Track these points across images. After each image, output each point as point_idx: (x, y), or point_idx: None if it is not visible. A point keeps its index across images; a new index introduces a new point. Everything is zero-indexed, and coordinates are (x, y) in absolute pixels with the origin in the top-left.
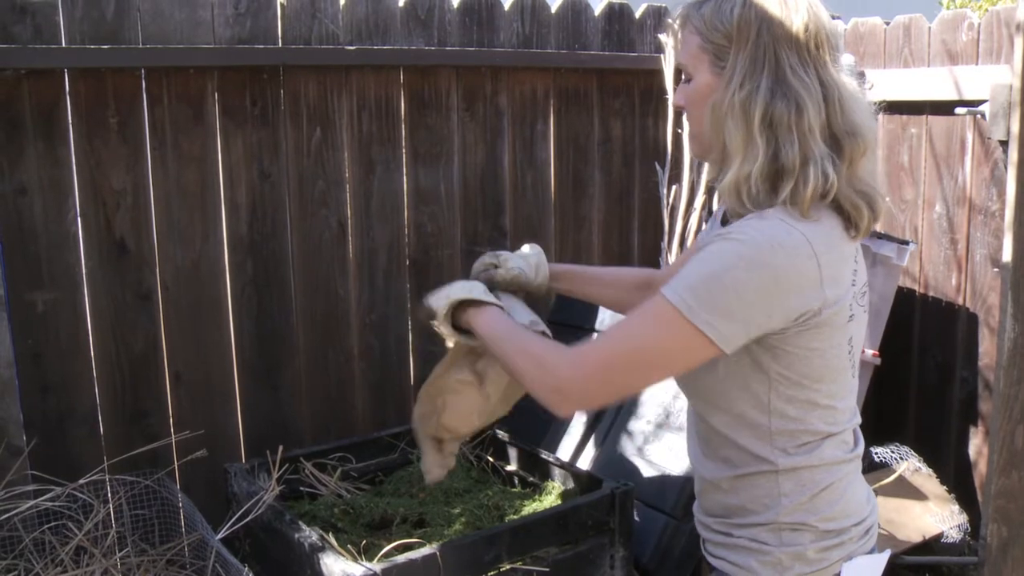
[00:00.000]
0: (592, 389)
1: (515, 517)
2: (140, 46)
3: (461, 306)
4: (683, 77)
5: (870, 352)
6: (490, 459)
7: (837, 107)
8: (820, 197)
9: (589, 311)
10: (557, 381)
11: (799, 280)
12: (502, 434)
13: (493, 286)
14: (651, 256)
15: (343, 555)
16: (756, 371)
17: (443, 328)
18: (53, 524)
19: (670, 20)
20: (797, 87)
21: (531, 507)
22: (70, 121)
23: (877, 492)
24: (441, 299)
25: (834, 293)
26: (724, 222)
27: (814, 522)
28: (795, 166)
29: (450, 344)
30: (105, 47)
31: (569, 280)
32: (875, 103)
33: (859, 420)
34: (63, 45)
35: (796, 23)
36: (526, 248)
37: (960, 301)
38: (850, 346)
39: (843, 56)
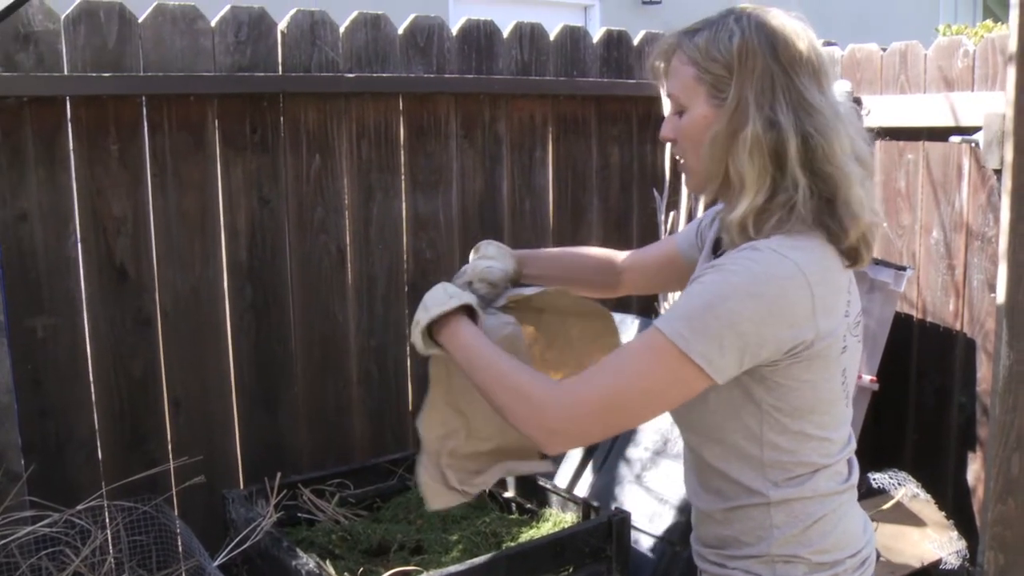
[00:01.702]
0: (586, 428)
1: (512, 544)
2: (141, 74)
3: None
4: (672, 109)
5: (868, 378)
6: None
7: (850, 131)
8: (808, 230)
9: None
10: (549, 421)
11: (793, 311)
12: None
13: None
14: None
15: None
16: (748, 402)
17: (419, 343)
18: (50, 550)
19: (657, 49)
20: (818, 116)
21: (528, 534)
22: (71, 148)
23: (875, 518)
24: (420, 316)
25: (827, 324)
26: (716, 249)
27: (807, 554)
28: (789, 199)
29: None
30: (107, 75)
31: (533, 263)
32: (871, 129)
33: (854, 447)
34: (65, 73)
35: (801, 50)
36: (484, 247)
37: (958, 326)
38: (843, 377)
39: (839, 82)
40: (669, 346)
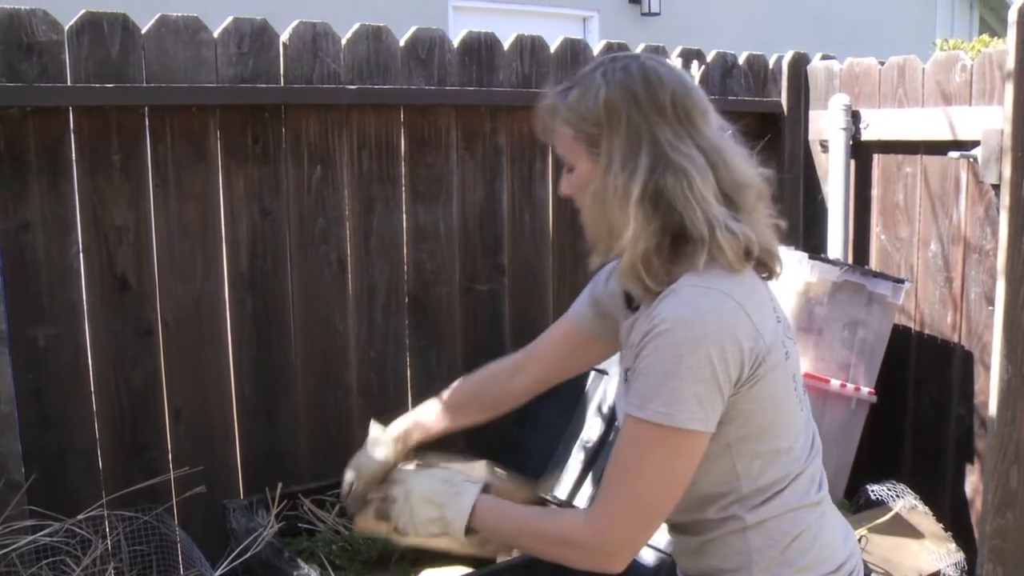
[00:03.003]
0: (633, 536)
1: (513, 555)
2: (144, 84)
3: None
4: (565, 166)
5: (866, 390)
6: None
7: (722, 169)
8: (745, 255)
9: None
10: (599, 553)
11: (738, 334)
12: (500, 472)
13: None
14: None
15: None
16: (714, 444)
17: (460, 539)
18: (51, 560)
19: (540, 110)
20: (679, 160)
21: None
22: (74, 158)
23: (873, 530)
24: (450, 514)
25: (768, 337)
26: (629, 302)
27: (790, 574)
28: (704, 235)
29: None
30: (110, 85)
31: (417, 431)
32: (868, 142)
33: (819, 451)
34: (68, 83)
35: (663, 97)
36: (371, 430)
37: (955, 339)
38: (795, 382)
39: (836, 96)
40: (657, 429)
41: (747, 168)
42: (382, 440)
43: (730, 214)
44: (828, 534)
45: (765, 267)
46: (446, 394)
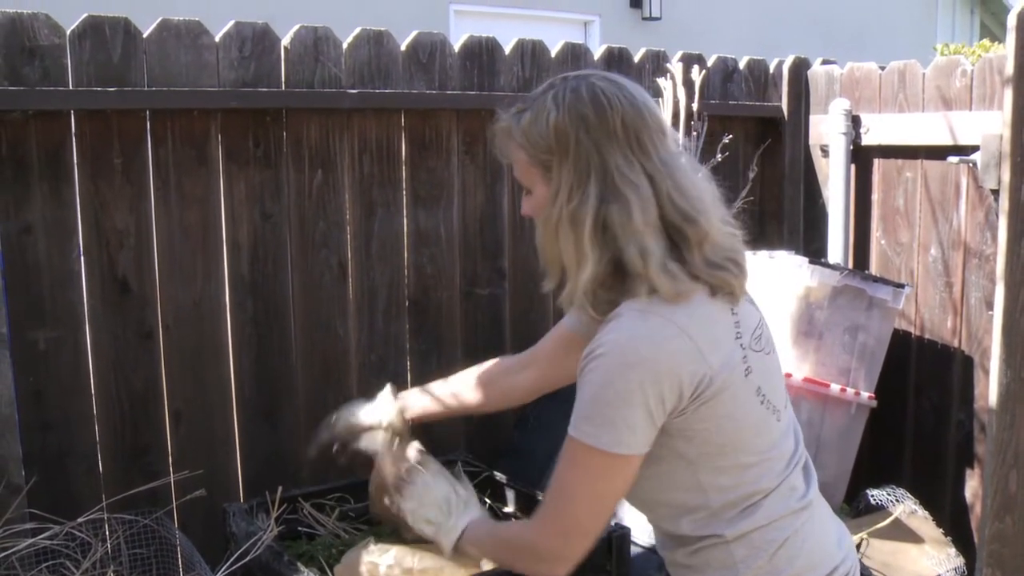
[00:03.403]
0: (566, 544)
1: None
2: (145, 88)
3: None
4: (524, 188)
5: (866, 395)
6: (487, 501)
7: (667, 197)
8: (693, 279)
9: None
10: (534, 556)
11: (675, 359)
12: (500, 476)
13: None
14: None
15: None
16: (677, 460)
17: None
18: (51, 563)
19: (496, 133)
20: (624, 188)
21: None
22: (75, 161)
23: (872, 535)
24: (444, 530)
25: (718, 358)
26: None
27: None
28: (641, 268)
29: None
30: (111, 89)
31: (416, 404)
32: (869, 147)
33: (802, 457)
34: (70, 87)
35: (613, 120)
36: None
37: (955, 344)
38: (761, 396)
39: (836, 101)
40: (585, 449)
41: (698, 188)
42: (385, 405)
43: (668, 249)
44: (818, 538)
45: (721, 289)
46: (456, 377)
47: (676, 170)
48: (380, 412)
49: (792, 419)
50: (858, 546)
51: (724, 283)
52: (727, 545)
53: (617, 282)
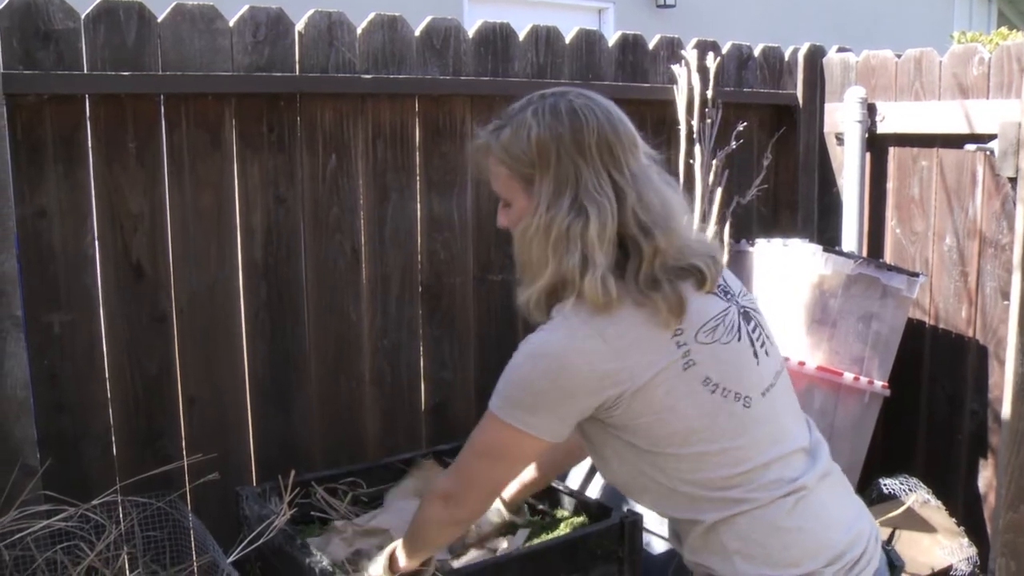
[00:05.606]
0: (472, 493)
1: (524, 545)
2: (160, 72)
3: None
4: (502, 201)
5: (879, 383)
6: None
7: (630, 211)
8: (604, 305)
9: None
10: (440, 497)
11: (585, 358)
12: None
13: None
14: None
15: None
16: (634, 452)
17: None
18: (65, 544)
19: (476, 149)
20: (588, 204)
21: (541, 535)
22: (90, 145)
23: (885, 524)
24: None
25: (640, 359)
26: None
27: (775, 571)
28: (575, 276)
29: None
30: (125, 73)
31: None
32: (885, 135)
33: (799, 442)
34: (85, 71)
35: (588, 138)
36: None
37: (970, 333)
38: (712, 386)
39: (852, 89)
40: (495, 418)
41: (664, 200)
42: None
43: (615, 263)
44: (815, 525)
45: (655, 306)
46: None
47: (645, 183)
48: None
49: (784, 404)
50: None
51: (655, 306)
52: (716, 531)
53: (560, 289)
